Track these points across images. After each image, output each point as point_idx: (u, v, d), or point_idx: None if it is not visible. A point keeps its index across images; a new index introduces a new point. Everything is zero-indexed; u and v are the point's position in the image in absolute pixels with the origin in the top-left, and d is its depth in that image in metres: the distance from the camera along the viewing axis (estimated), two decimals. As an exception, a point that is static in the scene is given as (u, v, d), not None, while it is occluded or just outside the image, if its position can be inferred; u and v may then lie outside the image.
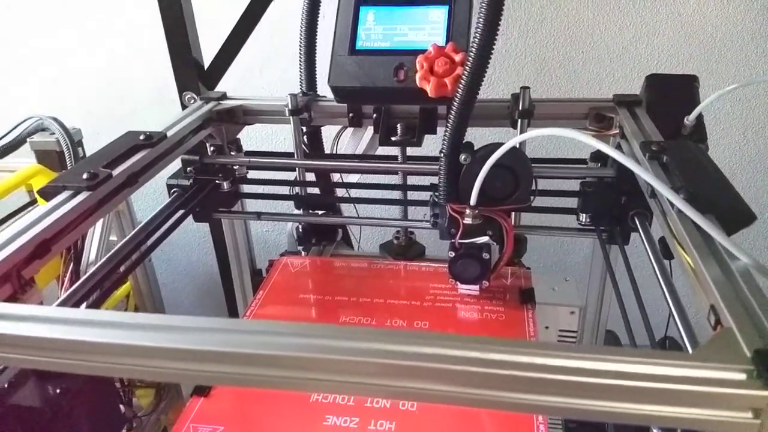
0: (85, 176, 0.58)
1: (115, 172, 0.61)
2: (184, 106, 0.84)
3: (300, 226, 0.88)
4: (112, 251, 0.68)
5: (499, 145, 0.61)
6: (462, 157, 0.65)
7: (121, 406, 0.87)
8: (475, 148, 0.66)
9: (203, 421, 0.55)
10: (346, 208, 0.93)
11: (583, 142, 0.52)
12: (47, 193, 0.58)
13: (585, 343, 0.89)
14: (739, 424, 0.32)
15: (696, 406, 0.33)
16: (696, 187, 0.49)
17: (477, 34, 0.59)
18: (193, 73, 0.98)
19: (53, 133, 0.98)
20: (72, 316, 0.39)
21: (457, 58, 0.66)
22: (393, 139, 0.76)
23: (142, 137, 0.67)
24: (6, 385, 0.49)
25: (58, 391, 0.48)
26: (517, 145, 0.68)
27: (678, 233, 0.48)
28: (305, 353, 0.35)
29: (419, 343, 0.35)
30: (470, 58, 0.61)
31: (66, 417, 0.48)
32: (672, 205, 0.49)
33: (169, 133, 0.70)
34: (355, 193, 0.84)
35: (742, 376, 0.32)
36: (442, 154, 0.66)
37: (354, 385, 0.35)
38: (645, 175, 0.48)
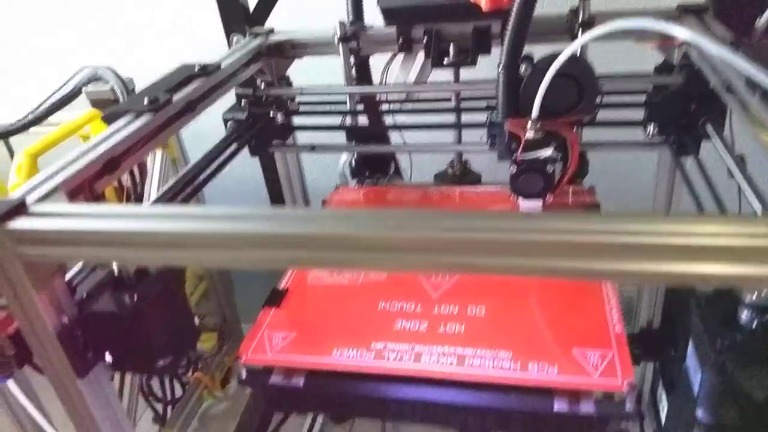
0: (146, 101, 0.59)
1: (175, 98, 0.62)
2: (231, 49, 0.84)
3: (352, 160, 0.88)
4: (172, 180, 0.69)
5: (560, 54, 0.59)
6: (522, 68, 0.63)
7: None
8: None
9: (276, 329, 0.56)
10: (399, 140, 0.92)
11: (650, 29, 0.50)
12: (110, 117, 0.59)
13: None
14: None
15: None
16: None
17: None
18: (239, 15, 0.98)
19: (108, 82, 1.00)
20: (167, 211, 0.40)
21: (513, -35, 0.63)
22: (446, 61, 0.74)
23: (196, 68, 0.68)
24: (84, 296, 0.50)
25: (135, 297, 0.50)
26: (579, 52, 0.66)
27: (762, 118, 0.45)
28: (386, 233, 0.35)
29: (491, 218, 0.34)
30: (528, -38, 0.58)
31: (144, 322, 0.50)
32: (755, 91, 0.46)
33: (222, 65, 0.71)
34: (407, 120, 0.83)
35: None
36: (500, 67, 0.64)
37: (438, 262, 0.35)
38: (726, 55, 0.45)
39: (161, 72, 0.67)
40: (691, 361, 0.45)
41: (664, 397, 0.86)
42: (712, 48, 0.47)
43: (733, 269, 0.31)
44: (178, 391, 1.31)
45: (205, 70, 0.68)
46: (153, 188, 0.91)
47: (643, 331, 0.88)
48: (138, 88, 1.06)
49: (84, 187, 0.50)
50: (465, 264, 0.35)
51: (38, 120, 0.98)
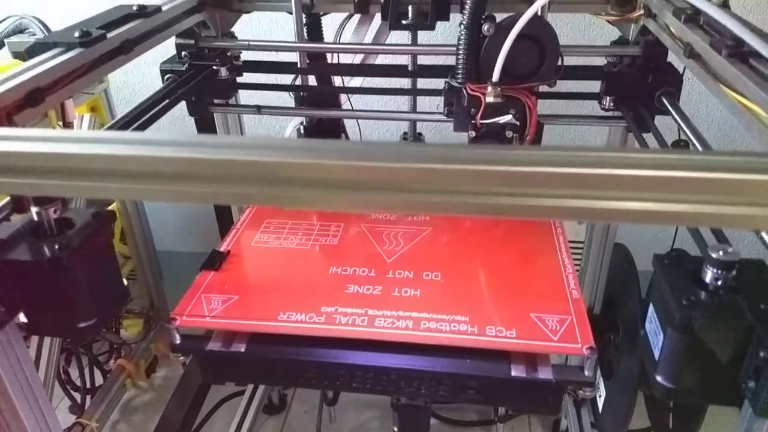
0: (77, 34, 0.53)
1: (109, 35, 0.56)
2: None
3: (301, 126, 0.83)
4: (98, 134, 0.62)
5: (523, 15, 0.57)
6: (485, 27, 0.61)
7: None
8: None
9: (215, 291, 0.52)
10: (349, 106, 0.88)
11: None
12: (36, 49, 0.53)
13: (591, 258, 0.88)
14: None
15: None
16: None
17: None
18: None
19: (33, 34, 0.92)
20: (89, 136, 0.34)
21: None
22: (404, 22, 0.71)
23: (134, 8, 0.62)
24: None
25: (56, 247, 0.44)
26: (540, 13, 0.64)
27: (730, 77, 0.45)
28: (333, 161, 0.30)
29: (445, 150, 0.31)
30: None
31: (65, 276, 0.44)
32: (720, 51, 0.46)
33: (163, 9, 0.65)
34: (360, 84, 0.79)
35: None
36: (462, 27, 0.62)
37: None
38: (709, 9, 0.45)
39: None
40: (651, 325, 0.44)
41: (602, 384, 0.87)
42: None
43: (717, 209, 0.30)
44: (99, 380, 1.22)
45: (144, 11, 0.62)
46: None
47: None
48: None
49: (1, 116, 0.44)
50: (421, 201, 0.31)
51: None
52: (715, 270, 0.40)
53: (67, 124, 0.84)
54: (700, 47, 0.51)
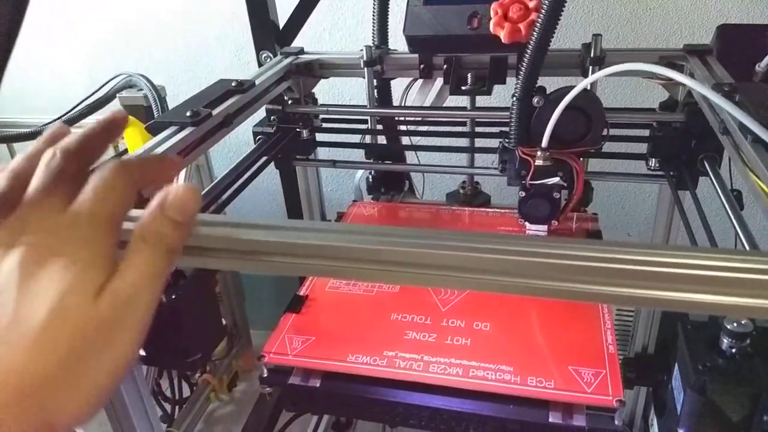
0: (188, 114, 0.64)
1: (214, 112, 0.67)
2: (260, 65, 0.89)
3: (369, 176, 0.92)
4: (206, 189, 0.74)
5: (572, 88, 0.64)
6: (535, 99, 0.68)
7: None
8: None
9: (296, 333, 0.61)
10: (414, 160, 0.97)
11: (656, 73, 0.54)
12: (155, 128, 0.64)
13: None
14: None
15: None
16: (770, 120, 0.51)
17: (552, -20, 0.62)
18: (270, 33, 1.03)
19: (141, 90, 1.05)
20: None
21: (531, 4, 0.68)
22: (463, 88, 0.79)
23: (233, 84, 0.73)
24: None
25: (173, 297, 0.54)
26: (589, 87, 0.71)
27: (751, 162, 0.50)
28: (409, 248, 0.39)
29: (500, 242, 0.38)
30: (545, 3, 0.63)
31: (178, 320, 0.55)
32: (746, 134, 0.50)
33: (256, 83, 0.76)
34: (423, 142, 0.88)
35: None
36: (514, 98, 0.69)
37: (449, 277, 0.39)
38: (720, 101, 0.50)
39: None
40: (676, 383, 0.49)
41: (655, 422, 0.90)
42: (707, 93, 0.51)
43: (709, 298, 0.36)
44: (186, 392, 1.35)
45: (241, 87, 0.73)
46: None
47: (638, 356, 0.92)
48: (169, 96, 1.12)
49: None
50: (471, 281, 0.39)
51: (71, 122, 1.04)
52: (730, 339, 0.46)
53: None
54: (731, 126, 0.55)
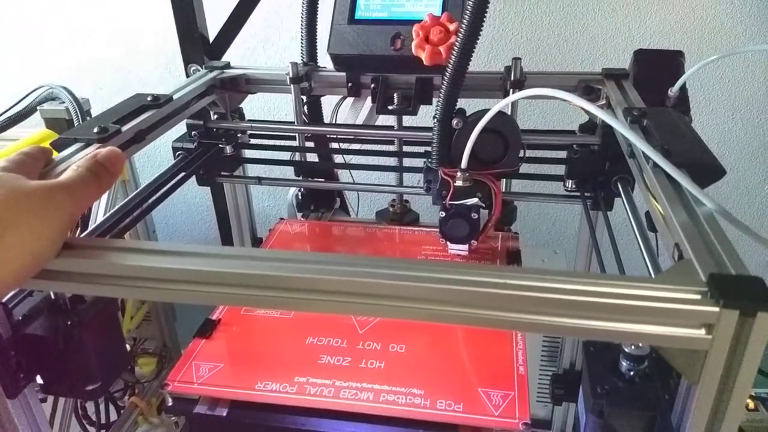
0: (95, 130, 0.61)
1: (124, 128, 0.65)
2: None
3: (299, 193, 0.91)
4: (117, 207, 0.71)
5: (490, 110, 0.64)
6: (454, 122, 0.68)
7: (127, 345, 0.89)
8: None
9: (204, 359, 0.59)
10: (344, 176, 0.97)
11: (565, 99, 0.56)
12: (60, 144, 0.61)
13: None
14: (694, 339, 0.35)
15: (658, 323, 0.36)
16: (671, 145, 0.52)
17: (469, 3, 0.62)
18: (199, 47, 1.02)
19: (63, 102, 1.02)
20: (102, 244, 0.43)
21: (452, 27, 0.69)
22: (390, 107, 0.79)
23: (149, 98, 0.71)
24: (20, 318, 0.52)
25: (69, 323, 0.52)
26: (507, 110, 0.72)
27: (652, 186, 0.51)
28: (321, 276, 0.38)
29: (419, 269, 0.38)
30: (463, 26, 0.64)
31: (76, 347, 0.52)
32: (648, 160, 0.52)
33: (175, 97, 0.74)
34: (352, 160, 0.87)
35: (697, 297, 0.35)
36: (435, 120, 0.69)
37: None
38: (623, 130, 0.51)
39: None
40: (581, 405, 0.50)
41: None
42: (611, 121, 0.52)
43: (607, 325, 0.37)
44: (114, 415, 1.29)
45: (157, 101, 0.71)
46: (100, 210, 0.92)
47: (566, 372, 0.93)
48: (94, 109, 1.09)
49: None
50: (386, 308, 0.38)
51: (-10, 134, 0.99)
52: (628, 361, 0.46)
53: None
54: (636, 151, 0.57)
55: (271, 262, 0.40)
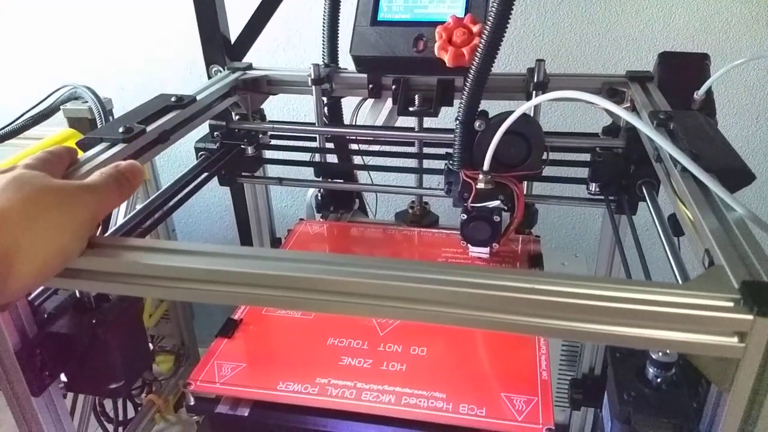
0: (121, 130, 0.62)
1: (149, 128, 0.65)
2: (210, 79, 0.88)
3: (319, 194, 0.91)
4: (140, 207, 0.71)
5: (513, 112, 0.64)
6: (477, 123, 0.68)
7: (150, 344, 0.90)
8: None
9: (226, 359, 0.59)
10: (364, 178, 0.96)
11: (591, 102, 0.55)
12: (85, 144, 0.62)
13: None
14: (726, 347, 0.35)
15: (689, 330, 0.35)
16: (699, 149, 0.52)
17: (494, 5, 0.62)
18: (220, 48, 1.01)
19: (86, 102, 1.03)
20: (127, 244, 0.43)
21: (475, 28, 0.69)
22: (411, 109, 0.79)
23: (173, 99, 0.71)
24: (46, 316, 0.53)
25: (93, 322, 0.52)
26: (530, 113, 0.71)
27: (680, 190, 0.50)
28: (343, 277, 0.38)
29: (439, 272, 0.38)
30: (487, 28, 0.64)
31: (101, 345, 0.52)
32: (675, 164, 0.51)
33: (198, 98, 0.74)
34: (372, 161, 0.87)
35: (730, 304, 0.35)
36: (457, 122, 0.69)
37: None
38: (651, 133, 0.51)
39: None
40: (605, 411, 0.49)
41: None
42: (638, 123, 0.52)
43: (636, 332, 0.36)
44: (131, 412, 1.31)
45: (181, 102, 0.71)
46: (121, 210, 0.93)
47: (585, 377, 0.92)
48: (116, 109, 1.10)
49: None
50: (408, 311, 0.38)
51: (14, 133, 1.00)
52: (655, 368, 0.46)
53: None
54: (663, 154, 0.56)
55: (292, 262, 0.40)
